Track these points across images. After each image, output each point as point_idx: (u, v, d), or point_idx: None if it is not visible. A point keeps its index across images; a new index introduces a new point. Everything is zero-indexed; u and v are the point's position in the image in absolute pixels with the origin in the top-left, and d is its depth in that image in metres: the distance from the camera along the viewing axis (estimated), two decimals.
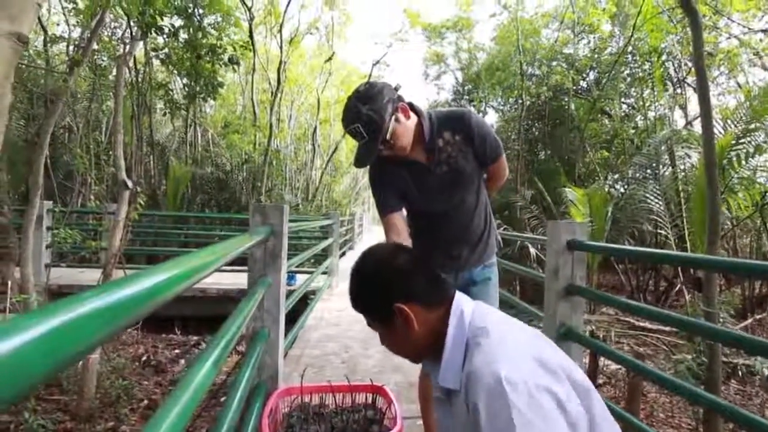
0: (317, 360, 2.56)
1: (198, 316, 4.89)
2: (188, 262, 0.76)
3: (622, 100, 9.46)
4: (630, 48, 8.22)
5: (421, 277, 0.79)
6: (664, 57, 7.91)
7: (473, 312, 0.76)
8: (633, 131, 8.87)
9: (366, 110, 1.11)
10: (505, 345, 0.66)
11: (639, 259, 6.65)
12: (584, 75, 9.55)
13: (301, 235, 6.71)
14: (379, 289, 0.79)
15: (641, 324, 5.12)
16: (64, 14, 7.61)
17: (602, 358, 4.76)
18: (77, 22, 7.25)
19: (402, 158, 1.26)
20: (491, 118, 11.64)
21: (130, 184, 3.07)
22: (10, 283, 3.10)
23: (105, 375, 3.06)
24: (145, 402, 3.02)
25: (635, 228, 6.75)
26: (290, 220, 2.07)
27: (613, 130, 8.85)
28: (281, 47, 9.43)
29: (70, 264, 5.56)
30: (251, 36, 8.16)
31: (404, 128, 1.19)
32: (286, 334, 2.25)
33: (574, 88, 9.33)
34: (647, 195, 5.77)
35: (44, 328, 0.31)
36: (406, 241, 1.30)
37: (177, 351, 4.40)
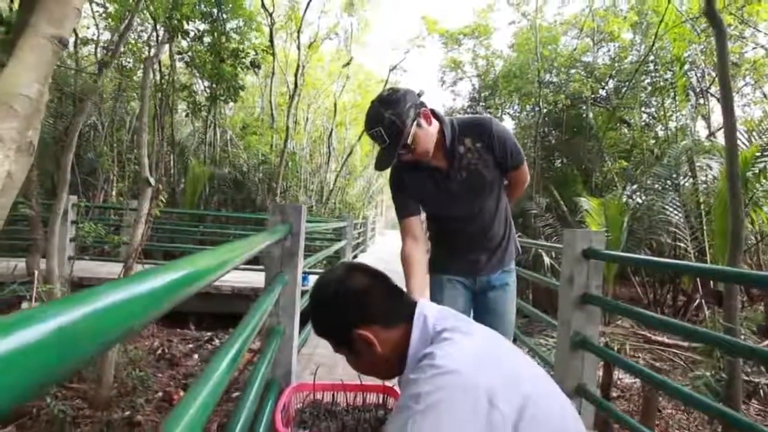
0: (328, 359, 2.58)
1: (211, 312, 4.98)
2: (211, 257, 0.79)
3: (643, 109, 9.30)
4: (651, 57, 8.10)
5: (377, 298, 0.77)
6: (686, 66, 7.77)
7: (437, 317, 0.74)
8: (653, 141, 8.72)
9: (388, 114, 1.13)
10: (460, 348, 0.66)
11: (656, 269, 6.50)
12: (603, 83, 9.44)
13: (315, 237, 6.77)
14: (336, 316, 0.77)
15: (658, 338, 5.01)
16: (93, 17, 7.91)
17: (616, 372, 4.67)
18: (106, 25, 7.54)
19: (422, 164, 1.28)
20: (507, 126, 11.57)
21: (152, 181, 3.17)
22: (36, 273, 3.23)
23: (122, 366, 3.15)
24: (160, 394, 3.09)
25: (653, 240, 6.61)
26: (306, 221, 2.11)
27: (633, 140, 8.71)
28: (299, 51, 9.60)
29: (91, 257, 5.73)
30: (272, 40, 8.33)
31: (426, 133, 1.20)
32: (299, 333, 2.28)
33: (593, 96, 9.22)
34: (666, 206, 5.65)
35: (55, 324, 0.28)
36: (422, 244, 1.32)
37: (191, 346, 4.49)
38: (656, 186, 6.68)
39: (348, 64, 11.97)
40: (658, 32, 7.20)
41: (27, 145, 1.53)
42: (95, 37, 7.51)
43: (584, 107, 9.09)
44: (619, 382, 4.42)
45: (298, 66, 9.31)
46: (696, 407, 1.39)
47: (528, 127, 10.40)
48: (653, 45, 7.49)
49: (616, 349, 4.40)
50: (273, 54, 8.29)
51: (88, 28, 9.58)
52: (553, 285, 2.66)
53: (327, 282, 0.81)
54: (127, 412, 2.70)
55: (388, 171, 1.40)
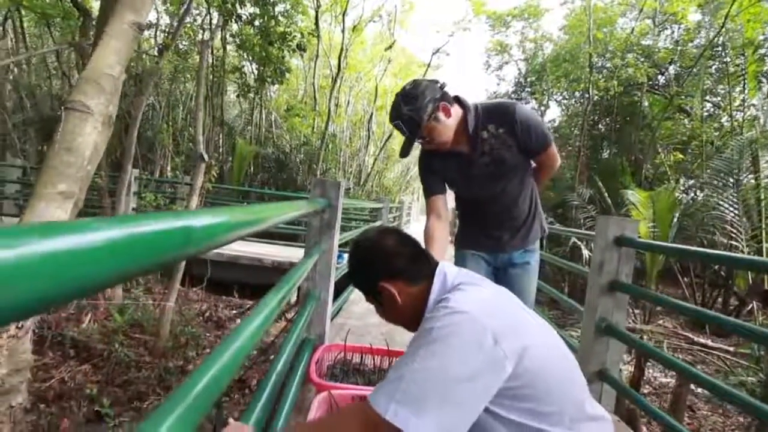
0: (359, 329, 2.75)
1: (253, 283, 5.35)
2: (264, 208, 0.93)
3: (707, 97, 8.59)
4: (721, 39, 7.43)
5: (403, 257, 0.86)
6: (762, 50, 7.06)
7: (456, 275, 0.84)
8: (716, 133, 8.06)
9: (407, 110, 1.22)
10: (473, 294, 0.76)
11: (689, 259, 6.17)
12: (662, 69, 8.78)
13: (351, 217, 6.99)
14: (365, 270, 0.89)
15: (701, 340, 4.79)
16: (154, 2, 8.42)
17: (651, 370, 4.53)
18: (166, 9, 8.01)
19: (447, 149, 1.35)
20: (554, 112, 11.14)
21: (206, 157, 3.44)
22: None
23: (177, 323, 3.52)
24: (208, 350, 3.43)
25: (705, 238, 6.22)
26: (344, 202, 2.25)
27: (691, 131, 8.10)
28: (343, 34, 9.69)
29: None
30: (317, 23, 8.48)
31: (443, 126, 1.28)
32: (333, 302, 2.46)
33: (650, 83, 8.62)
34: (721, 202, 5.29)
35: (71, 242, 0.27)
36: (444, 222, 1.41)
37: (234, 311, 4.87)
38: (715, 182, 6.23)
39: (390, 47, 11.90)
40: (730, 12, 6.58)
41: (108, 118, 1.76)
42: (156, 21, 8.01)
43: (639, 94, 8.54)
44: (653, 380, 4.30)
45: (341, 49, 9.42)
46: (728, 401, 1.38)
47: (575, 114, 9.95)
48: (723, 26, 6.86)
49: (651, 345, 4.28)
50: (318, 37, 8.45)
51: (149, 12, 10.21)
52: (583, 272, 2.65)
53: (362, 240, 0.93)
54: (180, 362, 3.04)
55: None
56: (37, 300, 0.25)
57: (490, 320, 0.68)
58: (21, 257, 0.24)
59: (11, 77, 7.88)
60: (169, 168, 8.47)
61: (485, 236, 1.50)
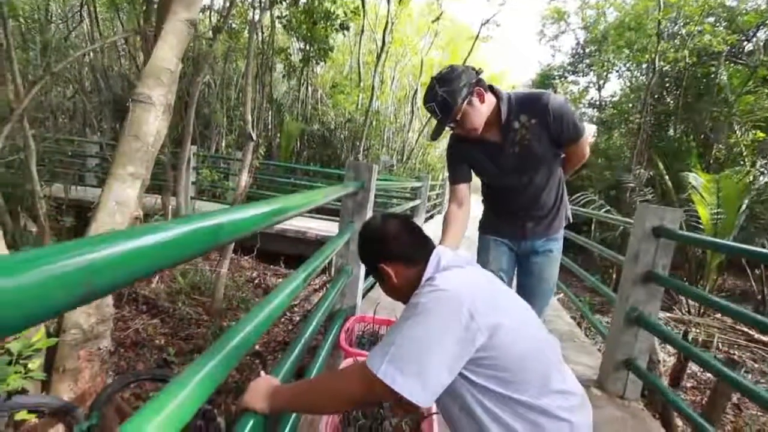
0: (391, 304, 2.90)
1: (298, 254, 5.70)
2: (300, 197, 1.07)
3: None
4: None
5: (401, 242, 0.94)
6: None
7: (449, 259, 0.91)
8: None
9: (441, 92, 1.23)
10: (455, 275, 0.85)
11: (732, 254, 5.62)
12: (747, 35, 7.74)
13: (392, 195, 7.10)
14: (367, 252, 0.98)
15: (763, 338, 4.44)
16: None
17: (694, 366, 4.32)
18: None
19: (478, 137, 1.36)
20: (613, 86, 10.28)
21: (254, 136, 3.67)
22: (170, 207, 4.05)
23: (230, 288, 3.89)
24: None
25: None
26: (382, 180, 2.34)
27: None
28: (389, 6, 9.49)
29: (207, 199, 6.84)
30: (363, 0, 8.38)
31: (476, 112, 1.28)
32: (366, 278, 2.62)
33: (731, 50, 7.65)
34: None
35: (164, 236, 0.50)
36: (465, 209, 1.44)
37: (280, 280, 5.26)
38: None
39: (438, 19, 11.48)
40: None
41: (168, 107, 1.97)
42: (210, 2, 8.34)
43: (716, 64, 7.64)
44: (699, 374, 4.11)
45: (387, 22, 9.27)
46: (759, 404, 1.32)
47: (638, 88, 9.13)
48: None
49: (700, 340, 4.06)
50: (363, 13, 8.36)
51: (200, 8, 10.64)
52: (617, 259, 2.58)
53: (368, 224, 1.03)
54: (233, 322, 3.40)
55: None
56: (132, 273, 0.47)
57: (468, 298, 0.77)
58: (123, 251, 0.45)
59: (88, 60, 8.67)
60: (223, 144, 9.01)
61: (509, 224, 1.53)
